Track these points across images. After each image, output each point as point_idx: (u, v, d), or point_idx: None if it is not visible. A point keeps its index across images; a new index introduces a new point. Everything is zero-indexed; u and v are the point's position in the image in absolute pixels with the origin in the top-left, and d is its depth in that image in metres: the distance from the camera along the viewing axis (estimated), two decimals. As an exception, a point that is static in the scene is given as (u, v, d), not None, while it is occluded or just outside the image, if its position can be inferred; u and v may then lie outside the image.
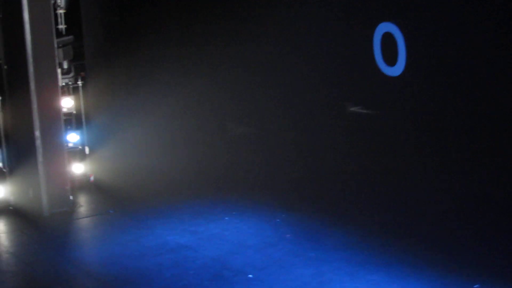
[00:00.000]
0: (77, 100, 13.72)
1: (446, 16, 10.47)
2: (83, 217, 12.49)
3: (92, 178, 13.90)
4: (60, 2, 13.10)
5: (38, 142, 12.27)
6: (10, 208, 12.75)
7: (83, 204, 13.07)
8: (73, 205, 12.77)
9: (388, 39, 11.20)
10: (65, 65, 13.29)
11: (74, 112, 13.62)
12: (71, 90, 13.66)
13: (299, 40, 12.77)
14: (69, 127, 13.44)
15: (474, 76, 10.35)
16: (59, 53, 12.68)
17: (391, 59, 11.22)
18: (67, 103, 13.46)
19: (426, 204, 11.10)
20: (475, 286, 8.56)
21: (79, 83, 13.74)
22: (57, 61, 12.51)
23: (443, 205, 10.89)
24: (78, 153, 13.58)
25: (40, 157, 12.28)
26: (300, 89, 13.01)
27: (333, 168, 12.68)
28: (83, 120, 13.85)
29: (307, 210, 11.77)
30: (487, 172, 10.49)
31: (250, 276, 9.34)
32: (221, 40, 14.00)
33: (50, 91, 12.34)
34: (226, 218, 11.68)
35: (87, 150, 13.85)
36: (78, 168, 13.66)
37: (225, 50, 13.87)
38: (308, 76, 12.80)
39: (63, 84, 13.39)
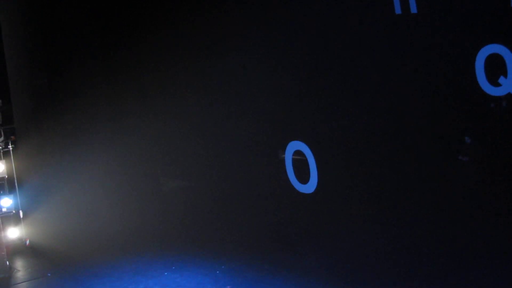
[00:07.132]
0: (8, 164, 13.63)
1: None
2: (21, 282, 12.31)
3: (28, 242, 13.77)
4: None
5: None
6: None
7: (20, 269, 12.91)
8: (10, 270, 12.62)
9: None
10: (-5, 130, 13.30)
11: (6, 176, 13.50)
12: (2, 154, 13.59)
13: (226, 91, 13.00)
14: (1, 191, 13.32)
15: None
16: (-13, 118, 12.70)
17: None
18: (-2, 167, 13.40)
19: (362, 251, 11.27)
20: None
21: (10, 147, 13.69)
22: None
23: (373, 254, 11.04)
24: (12, 218, 13.42)
25: (-27, 225, 12.18)
26: (231, 138, 13.18)
27: (269, 216, 12.81)
28: (16, 184, 13.76)
29: (246, 259, 11.87)
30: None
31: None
32: (149, 93, 14.14)
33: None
34: (166, 273, 11.69)
35: (21, 214, 13.74)
36: (13, 233, 13.50)
37: (153, 104, 14.01)
38: (239, 126, 13.01)
39: (-6, 148, 13.36)
